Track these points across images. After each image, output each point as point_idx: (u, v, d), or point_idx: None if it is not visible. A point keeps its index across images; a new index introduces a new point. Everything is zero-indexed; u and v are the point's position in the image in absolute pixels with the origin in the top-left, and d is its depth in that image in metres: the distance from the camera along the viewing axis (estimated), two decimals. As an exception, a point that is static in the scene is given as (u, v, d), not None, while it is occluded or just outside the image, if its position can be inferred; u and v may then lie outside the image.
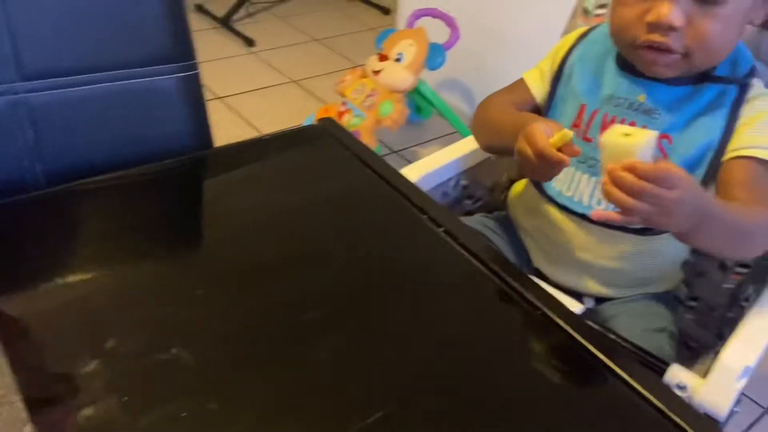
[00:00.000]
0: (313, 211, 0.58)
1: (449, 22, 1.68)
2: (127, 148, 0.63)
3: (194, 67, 0.65)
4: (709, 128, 0.67)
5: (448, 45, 1.68)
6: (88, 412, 0.38)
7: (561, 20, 0.94)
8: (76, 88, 0.59)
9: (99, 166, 0.58)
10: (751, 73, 0.69)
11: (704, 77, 0.68)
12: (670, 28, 0.61)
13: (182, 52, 0.64)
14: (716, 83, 0.68)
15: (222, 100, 2.04)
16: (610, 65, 0.73)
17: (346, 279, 0.51)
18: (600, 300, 0.79)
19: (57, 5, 0.57)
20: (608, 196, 0.52)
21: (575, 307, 0.63)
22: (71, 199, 0.55)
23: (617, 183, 0.51)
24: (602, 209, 0.67)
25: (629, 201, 0.51)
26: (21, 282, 0.46)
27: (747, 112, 0.67)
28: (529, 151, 0.60)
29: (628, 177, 0.50)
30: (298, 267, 0.51)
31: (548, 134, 0.60)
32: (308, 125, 0.69)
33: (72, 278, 0.48)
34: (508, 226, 0.85)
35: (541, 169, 0.61)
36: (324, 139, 0.67)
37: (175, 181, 0.61)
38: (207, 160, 0.66)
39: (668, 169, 0.51)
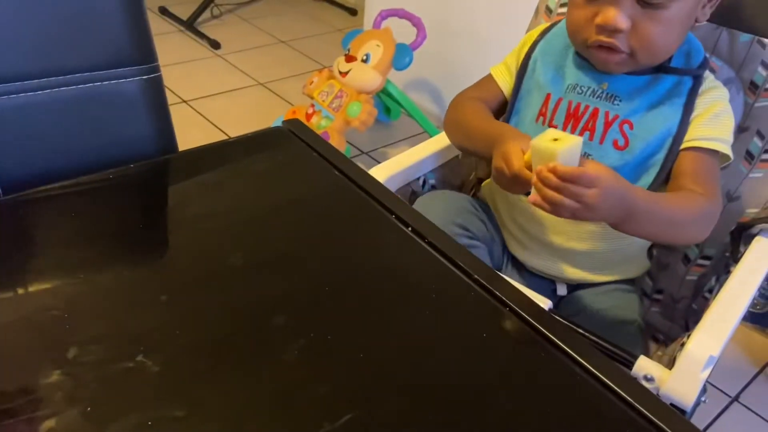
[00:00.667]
0: (280, 214, 0.57)
1: (416, 22, 1.68)
2: (89, 153, 0.62)
3: (156, 69, 0.64)
4: (667, 116, 0.71)
5: (415, 45, 1.68)
6: (50, 423, 0.37)
7: (525, 19, 0.95)
8: (33, 93, 0.58)
9: (60, 173, 0.56)
10: (704, 64, 0.72)
11: (660, 68, 0.71)
12: (615, 30, 0.66)
13: (143, 54, 0.63)
14: (672, 74, 0.71)
15: (188, 103, 2.02)
16: (572, 57, 0.76)
17: (313, 282, 0.51)
18: (572, 288, 0.81)
19: (10, 8, 0.55)
20: (539, 192, 0.58)
21: (543, 302, 0.63)
22: (29, 207, 0.54)
23: (543, 182, 0.57)
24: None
25: (555, 197, 0.57)
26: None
27: (701, 104, 0.71)
28: (506, 171, 0.63)
29: (551, 177, 0.56)
30: (264, 271, 0.51)
31: (524, 149, 0.62)
32: (274, 127, 0.68)
33: (32, 287, 0.47)
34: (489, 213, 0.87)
35: (515, 186, 0.64)
36: (290, 141, 0.66)
37: (139, 186, 0.59)
38: (171, 164, 0.65)
39: (584, 171, 0.56)
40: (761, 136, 0.78)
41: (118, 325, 0.44)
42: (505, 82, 0.82)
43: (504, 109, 0.82)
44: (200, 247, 0.52)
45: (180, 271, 0.50)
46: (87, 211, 0.54)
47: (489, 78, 0.84)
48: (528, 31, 0.92)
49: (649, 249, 0.84)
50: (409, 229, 0.56)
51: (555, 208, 0.58)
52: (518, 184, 0.63)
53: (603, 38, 0.67)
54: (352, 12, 2.82)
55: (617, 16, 0.65)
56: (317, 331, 0.46)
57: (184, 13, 2.50)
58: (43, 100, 0.59)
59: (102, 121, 0.63)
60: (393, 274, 0.53)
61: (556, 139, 0.57)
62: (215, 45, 2.38)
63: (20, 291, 0.46)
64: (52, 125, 0.60)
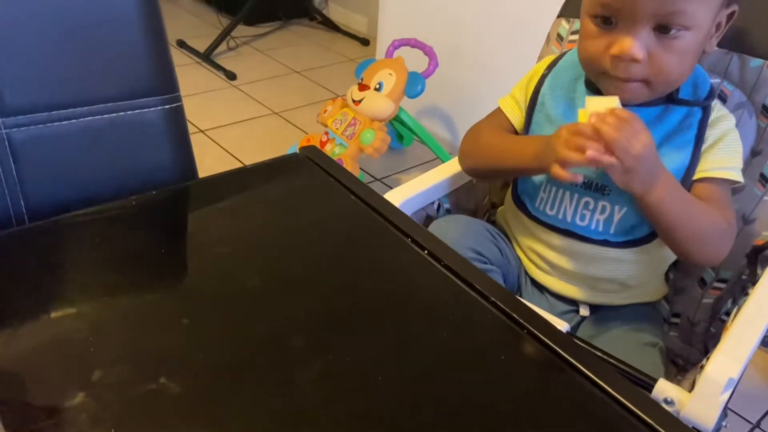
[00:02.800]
0: (297, 238, 0.58)
1: (427, 51, 1.71)
2: (113, 180, 0.63)
3: (178, 99, 0.66)
4: (680, 148, 0.71)
5: (427, 73, 1.71)
6: (74, 445, 0.38)
7: (536, 46, 0.97)
8: (58, 123, 0.60)
9: (83, 201, 0.58)
10: (711, 94, 0.73)
11: (670, 99, 0.72)
12: (632, 61, 0.65)
13: (165, 85, 0.65)
14: (682, 106, 0.72)
15: (205, 133, 2.05)
16: (582, 89, 0.76)
17: (331, 304, 0.51)
18: (594, 307, 0.81)
19: (37, 40, 0.58)
20: (600, 129, 0.62)
21: (560, 325, 0.63)
22: (55, 233, 0.55)
23: (605, 121, 0.62)
24: (583, 224, 0.72)
25: (613, 134, 0.62)
26: (4, 319, 0.46)
27: (711, 134, 0.72)
28: (569, 135, 0.66)
29: (612, 117, 0.62)
30: (282, 293, 0.51)
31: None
32: (291, 154, 0.70)
33: (56, 313, 0.48)
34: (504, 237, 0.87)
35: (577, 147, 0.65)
36: (306, 167, 0.67)
37: (160, 212, 0.61)
38: (191, 190, 0.66)
39: (638, 117, 0.64)
40: (775, 159, 0.78)
41: (141, 347, 0.45)
42: (515, 116, 0.82)
43: None
44: (220, 271, 0.53)
45: (201, 295, 0.51)
46: (111, 237, 0.56)
47: (498, 111, 0.85)
48: (540, 58, 0.93)
49: (666, 273, 0.83)
50: (426, 252, 0.57)
51: (614, 150, 0.62)
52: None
53: (620, 72, 0.67)
54: (365, 42, 2.87)
55: (634, 47, 0.65)
56: (336, 353, 0.46)
57: (201, 46, 2.56)
58: (70, 129, 0.61)
59: (126, 150, 0.64)
60: (410, 296, 0.54)
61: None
62: (231, 76, 2.43)
63: (46, 315, 0.47)
64: (78, 154, 0.62)
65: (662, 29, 0.64)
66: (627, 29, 0.65)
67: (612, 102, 0.65)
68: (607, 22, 0.66)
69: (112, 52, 0.62)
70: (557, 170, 0.65)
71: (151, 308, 0.49)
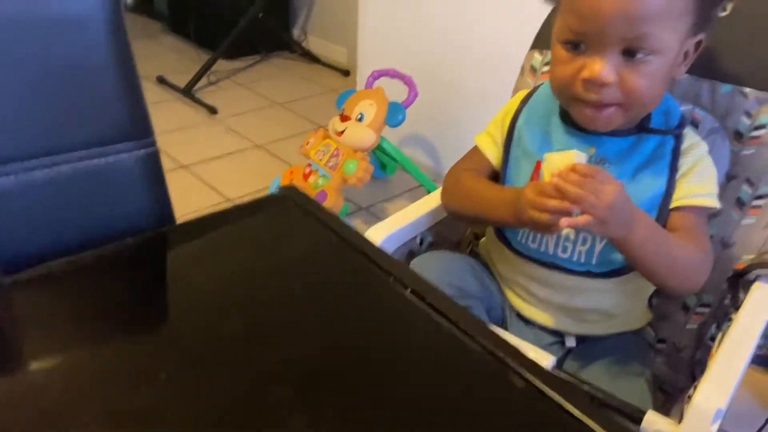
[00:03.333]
0: (278, 281, 0.58)
1: (407, 81, 1.73)
2: (86, 230, 0.62)
3: (153, 143, 0.65)
4: (655, 177, 0.72)
5: (407, 103, 1.72)
6: None
7: (511, 74, 0.98)
8: (29, 173, 0.59)
9: (58, 250, 0.57)
10: (682, 123, 0.74)
11: (642, 128, 0.73)
12: (603, 84, 0.66)
13: (139, 129, 0.64)
14: (654, 134, 0.72)
15: (187, 168, 2.05)
16: (556, 123, 0.78)
17: (314, 349, 0.50)
18: (580, 338, 0.81)
19: (10, 89, 0.57)
20: (562, 190, 0.63)
21: (546, 359, 0.63)
22: (27, 286, 0.54)
23: (567, 180, 0.63)
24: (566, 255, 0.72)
25: (577, 192, 0.62)
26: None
27: (685, 162, 0.73)
28: (537, 198, 0.66)
29: (573, 174, 0.63)
30: (263, 340, 0.50)
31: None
32: (270, 194, 0.69)
33: (30, 367, 0.46)
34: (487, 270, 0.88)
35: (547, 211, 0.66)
36: (286, 207, 0.67)
37: (136, 260, 0.60)
38: (168, 236, 0.65)
39: (601, 169, 0.64)
40: (750, 183, 0.79)
41: (117, 405, 0.43)
42: (492, 153, 0.83)
43: (495, 178, 0.83)
44: (198, 319, 0.52)
45: (178, 346, 0.50)
46: (84, 289, 0.54)
47: (476, 149, 0.85)
48: (515, 89, 0.94)
49: (650, 299, 0.84)
50: (409, 290, 0.57)
51: (582, 207, 0.62)
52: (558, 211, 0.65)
53: (591, 96, 0.68)
54: (345, 73, 2.90)
55: (604, 70, 0.66)
56: (320, 401, 0.45)
57: (181, 81, 2.56)
58: (41, 178, 0.60)
59: (100, 197, 0.63)
60: (394, 337, 0.53)
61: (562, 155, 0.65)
62: (212, 110, 2.43)
63: (19, 371, 0.46)
64: (50, 203, 0.61)
65: (630, 53, 0.66)
66: (596, 53, 0.66)
67: (571, 157, 0.65)
68: (576, 47, 0.68)
69: (84, 99, 0.61)
70: (538, 229, 0.67)
71: (127, 362, 0.47)
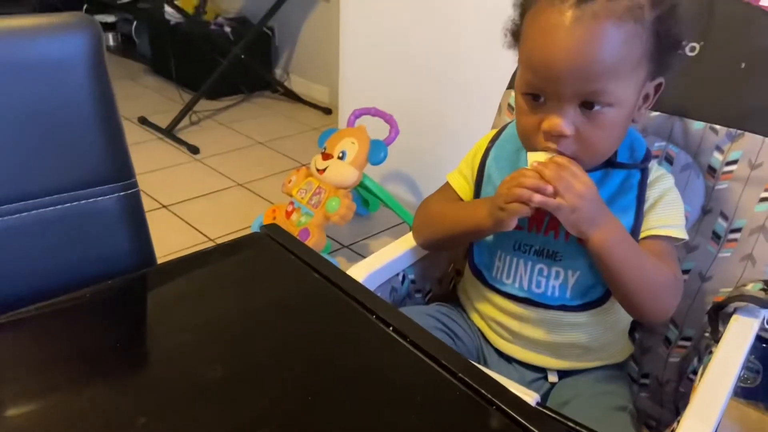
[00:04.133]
0: (259, 321, 0.57)
1: (388, 119, 1.75)
2: (66, 273, 0.62)
3: (134, 185, 0.66)
4: (623, 210, 0.74)
5: (389, 141, 1.74)
6: None
7: (491, 113, 1.00)
8: (13, 216, 0.58)
9: (36, 295, 0.56)
10: (647, 157, 0.76)
11: (609, 163, 0.74)
12: (561, 136, 0.69)
13: (121, 172, 0.64)
14: (620, 169, 0.74)
15: (168, 208, 2.04)
16: (524, 159, 0.79)
17: (296, 390, 0.50)
18: (563, 372, 0.81)
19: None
20: (541, 173, 0.67)
21: (530, 396, 0.63)
22: (7, 330, 0.53)
23: (545, 166, 0.67)
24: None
25: (554, 173, 0.66)
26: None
27: (651, 195, 0.75)
28: (512, 185, 0.69)
29: (551, 163, 0.68)
30: (244, 383, 0.50)
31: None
32: (250, 233, 0.69)
33: (7, 412, 0.45)
34: (463, 312, 0.88)
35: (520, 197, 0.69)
36: (267, 246, 0.67)
37: (116, 303, 0.59)
38: (149, 278, 0.65)
39: (577, 163, 0.68)
40: (725, 217, 0.80)
41: (95, 452, 0.43)
42: (464, 191, 0.85)
43: None
44: (179, 363, 0.52)
45: (158, 390, 0.49)
46: (63, 333, 0.54)
47: (447, 186, 0.87)
48: (493, 126, 0.96)
49: (631, 332, 0.84)
50: (390, 328, 0.56)
51: (556, 189, 0.66)
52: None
53: (550, 146, 0.70)
54: (327, 111, 2.93)
55: (561, 124, 0.68)
56: (301, 445, 0.44)
57: (163, 122, 2.57)
58: (22, 222, 0.59)
59: (81, 240, 0.63)
60: (377, 376, 0.53)
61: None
62: (194, 150, 2.44)
63: (-7, 420, 0.44)
64: (31, 247, 0.60)
65: (587, 105, 0.68)
66: (554, 107, 0.68)
67: (551, 156, 0.70)
68: (536, 98, 0.70)
69: (65, 141, 0.61)
70: (511, 209, 0.69)
71: (105, 408, 0.46)
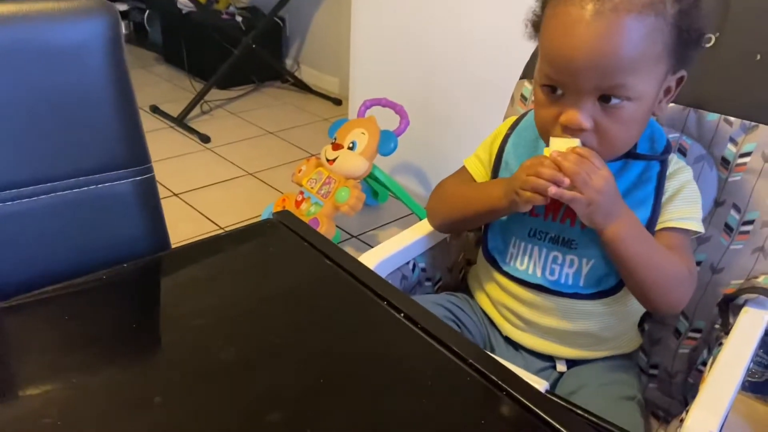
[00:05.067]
0: (272, 306, 0.58)
1: (398, 110, 1.75)
2: (84, 255, 0.62)
3: (150, 170, 0.66)
4: (641, 201, 0.73)
5: (399, 131, 1.74)
6: None
7: (502, 103, 1.00)
8: (28, 200, 0.59)
9: (55, 275, 0.57)
10: (668, 148, 0.75)
11: (629, 154, 0.74)
12: (579, 129, 0.68)
13: (137, 157, 0.65)
14: (640, 160, 0.74)
15: (179, 196, 2.05)
16: (543, 147, 0.79)
17: (307, 374, 0.50)
18: (571, 362, 0.81)
19: (6, 118, 0.58)
20: (560, 165, 0.66)
21: (539, 384, 0.63)
22: (22, 312, 0.54)
23: (566, 157, 0.66)
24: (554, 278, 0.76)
25: (573, 167, 0.66)
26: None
27: (670, 186, 0.75)
28: (529, 172, 0.69)
29: (572, 153, 0.67)
30: (257, 365, 0.50)
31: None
32: (264, 219, 0.70)
33: (24, 394, 0.46)
34: (474, 301, 0.88)
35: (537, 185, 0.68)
36: (280, 232, 0.67)
37: (132, 286, 0.60)
38: (163, 261, 0.65)
39: (597, 155, 0.68)
40: (738, 209, 0.80)
41: (113, 429, 0.43)
42: (480, 175, 0.85)
43: None
44: (193, 345, 0.52)
45: (173, 371, 0.50)
46: (80, 314, 0.55)
47: (464, 169, 0.87)
48: (505, 117, 0.96)
49: (641, 323, 0.84)
50: (402, 315, 0.57)
51: (574, 182, 0.66)
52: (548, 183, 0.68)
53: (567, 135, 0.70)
54: (337, 102, 2.93)
55: (579, 117, 0.68)
56: (315, 426, 0.45)
57: (175, 110, 2.58)
58: (39, 205, 0.60)
59: (96, 223, 0.64)
60: (388, 362, 0.53)
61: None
62: (205, 139, 2.44)
63: (12, 398, 0.45)
64: (48, 230, 0.61)
65: (606, 99, 0.67)
66: (573, 100, 0.68)
67: (573, 143, 0.69)
68: (554, 91, 0.70)
69: (83, 127, 0.62)
70: (526, 197, 0.69)
71: (121, 388, 0.47)
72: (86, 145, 0.62)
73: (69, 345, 0.51)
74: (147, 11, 3.39)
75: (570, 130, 0.69)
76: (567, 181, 0.66)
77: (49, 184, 0.60)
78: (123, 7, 3.55)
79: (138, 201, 0.66)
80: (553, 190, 0.66)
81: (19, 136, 0.59)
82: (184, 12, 2.98)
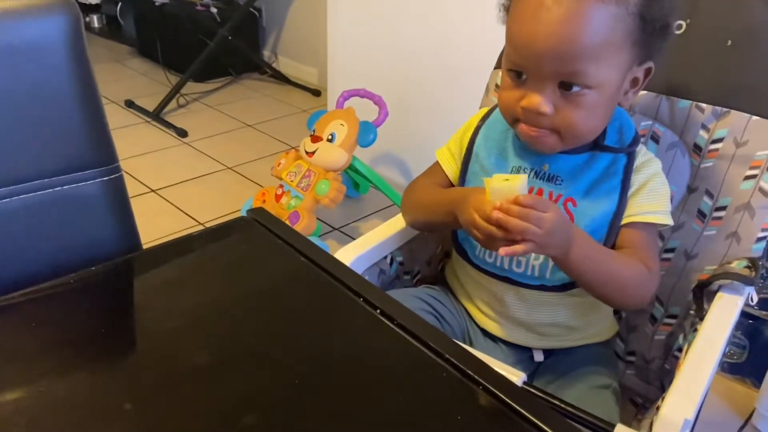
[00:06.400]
0: (246, 306, 0.57)
1: (377, 100, 1.74)
2: (50, 259, 0.61)
3: (117, 169, 0.65)
4: (607, 194, 0.74)
5: (378, 122, 1.73)
6: None
7: (479, 93, 0.99)
8: (-5, 203, 0.58)
9: (23, 279, 0.55)
10: (635, 140, 0.76)
11: (596, 146, 0.74)
12: (539, 114, 0.69)
13: (104, 156, 0.64)
14: (607, 152, 0.74)
15: (156, 192, 2.02)
16: (512, 140, 0.79)
17: (283, 375, 0.50)
18: (548, 352, 0.81)
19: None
20: (505, 225, 0.63)
21: (516, 376, 0.63)
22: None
23: (509, 213, 0.63)
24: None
25: (521, 225, 0.63)
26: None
27: (636, 180, 0.75)
28: (479, 220, 0.67)
29: (515, 207, 0.63)
30: (231, 368, 0.50)
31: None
32: (237, 218, 0.69)
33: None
34: (450, 294, 0.88)
35: (490, 235, 0.66)
36: (254, 231, 0.66)
37: (101, 289, 0.59)
38: (134, 263, 0.64)
39: (540, 197, 0.69)
40: (710, 195, 0.81)
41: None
42: (450, 168, 0.85)
43: None
44: (164, 348, 0.52)
45: (144, 376, 0.49)
46: (48, 319, 0.53)
47: (436, 164, 0.87)
48: (481, 106, 0.96)
49: (618, 312, 0.85)
50: (378, 311, 0.57)
51: (520, 235, 0.63)
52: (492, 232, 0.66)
53: (530, 122, 0.71)
54: (316, 93, 2.91)
55: (540, 102, 0.68)
56: (291, 428, 0.45)
57: (151, 105, 2.54)
58: (2, 208, 0.59)
59: (64, 225, 0.62)
60: (364, 359, 0.53)
61: (506, 179, 0.65)
62: (182, 133, 2.42)
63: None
64: (12, 233, 0.60)
65: (567, 87, 0.68)
66: (535, 84, 0.69)
67: (514, 188, 0.65)
68: (519, 76, 0.70)
69: (47, 126, 0.60)
70: (482, 245, 0.70)
71: (91, 394, 0.46)
72: (51, 146, 0.61)
73: (36, 352, 0.50)
74: (120, 4, 3.33)
75: (531, 114, 0.69)
76: (517, 239, 0.64)
77: (13, 186, 0.59)
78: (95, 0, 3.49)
79: (106, 201, 0.64)
80: (503, 252, 0.64)
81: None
82: (157, 4, 2.94)
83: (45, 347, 0.50)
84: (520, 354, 0.82)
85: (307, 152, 1.74)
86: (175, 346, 0.52)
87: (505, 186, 0.65)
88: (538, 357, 0.82)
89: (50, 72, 0.59)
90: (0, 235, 0.60)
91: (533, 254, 0.76)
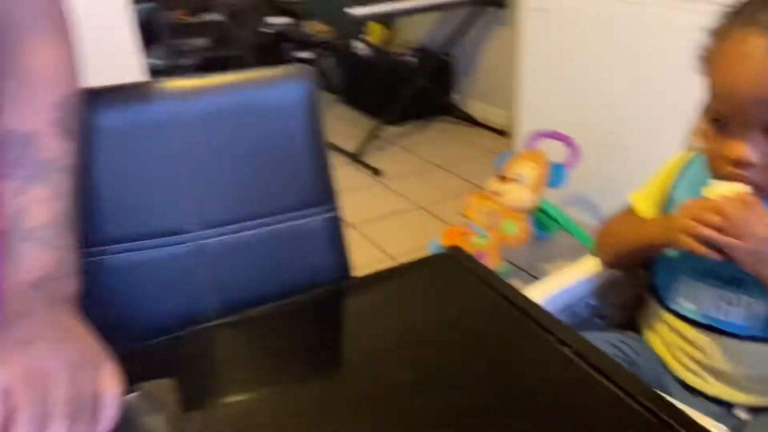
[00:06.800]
0: (444, 334, 0.62)
1: (570, 142, 1.73)
2: (282, 281, 0.72)
3: (336, 208, 0.75)
4: None
5: (571, 165, 1.71)
6: None
7: (678, 136, 0.96)
8: (243, 233, 0.71)
9: (258, 298, 0.66)
10: None
11: None
12: (748, 164, 0.66)
13: (327, 196, 0.74)
14: None
15: (355, 227, 2.19)
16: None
17: (476, 398, 0.54)
18: (755, 410, 0.75)
19: (229, 166, 0.70)
20: (722, 213, 0.64)
21: (718, 429, 0.60)
22: (230, 328, 0.64)
23: (728, 202, 0.64)
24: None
25: (737, 213, 0.63)
26: (197, 398, 0.54)
27: None
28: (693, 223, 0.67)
29: (736, 201, 0.64)
30: (431, 387, 0.55)
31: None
32: (438, 253, 0.75)
33: (238, 398, 0.55)
34: (643, 340, 0.85)
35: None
36: (452, 266, 0.72)
37: (320, 310, 0.68)
38: (347, 290, 0.73)
39: (762, 204, 0.65)
40: None
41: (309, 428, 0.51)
42: (649, 213, 0.83)
43: None
44: (371, 366, 0.58)
45: (355, 386, 0.56)
46: (277, 333, 0.63)
47: (631, 210, 0.86)
48: (687, 149, 0.92)
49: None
50: (569, 350, 0.58)
51: (737, 229, 0.63)
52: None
53: (737, 174, 0.68)
54: (501, 133, 2.95)
55: (746, 151, 0.66)
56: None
57: (351, 146, 2.77)
58: (247, 239, 0.71)
59: (294, 254, 0.74)
60: (554, 395, 0.55)
61: (727, 190, 0.66)
62: (377, 172, 2.59)
63: (221, 401, 0.55)
64: (256, 259, 0.72)
65: None
66: (739, 133, 0.66)
67: (738, 188, 0.66)
68: (720, 124, 0.68)
69: (283, 173, 0.73)
70: (690, 247, 0.67)
71: (311, 399, 0.55)
72: (285, 188, 0.73)
73: (269, 359, 0.60)
74: (334, 59, 3.68)
75: (738, 165, 0.67)
76: (725, 239, 0.64)
77: (249, 222, 0.72)
78: (310, 55, 3.89)
79: (327, 235, 0.75)
80: (711, 237, 0.64)
81: (231, 180, 0.71)
82: (360, 55, 3.22)
83: (275, 356, 0.60)
84: (720, 409, 0.77)
85: (494, 192, 1.77)
86: (380, 366, 0.58)
87: (727, 185, 0.66)
88: (743, 414, 0.75)
89: (289, 130, 0.72)
90: (241, 260, 0.72)
91: (744, 301, 0.72)
